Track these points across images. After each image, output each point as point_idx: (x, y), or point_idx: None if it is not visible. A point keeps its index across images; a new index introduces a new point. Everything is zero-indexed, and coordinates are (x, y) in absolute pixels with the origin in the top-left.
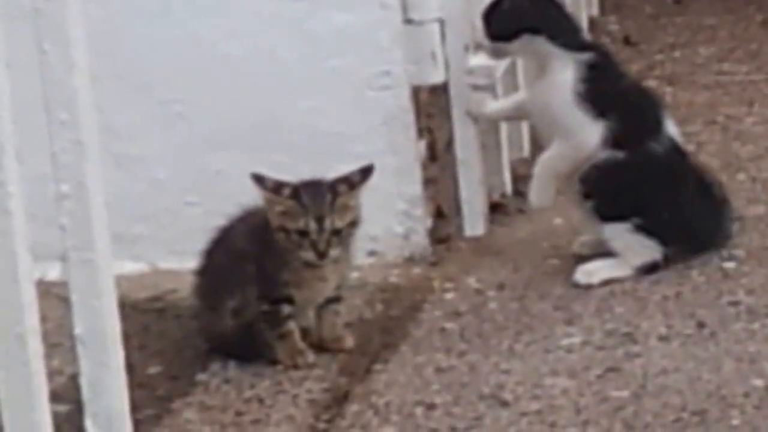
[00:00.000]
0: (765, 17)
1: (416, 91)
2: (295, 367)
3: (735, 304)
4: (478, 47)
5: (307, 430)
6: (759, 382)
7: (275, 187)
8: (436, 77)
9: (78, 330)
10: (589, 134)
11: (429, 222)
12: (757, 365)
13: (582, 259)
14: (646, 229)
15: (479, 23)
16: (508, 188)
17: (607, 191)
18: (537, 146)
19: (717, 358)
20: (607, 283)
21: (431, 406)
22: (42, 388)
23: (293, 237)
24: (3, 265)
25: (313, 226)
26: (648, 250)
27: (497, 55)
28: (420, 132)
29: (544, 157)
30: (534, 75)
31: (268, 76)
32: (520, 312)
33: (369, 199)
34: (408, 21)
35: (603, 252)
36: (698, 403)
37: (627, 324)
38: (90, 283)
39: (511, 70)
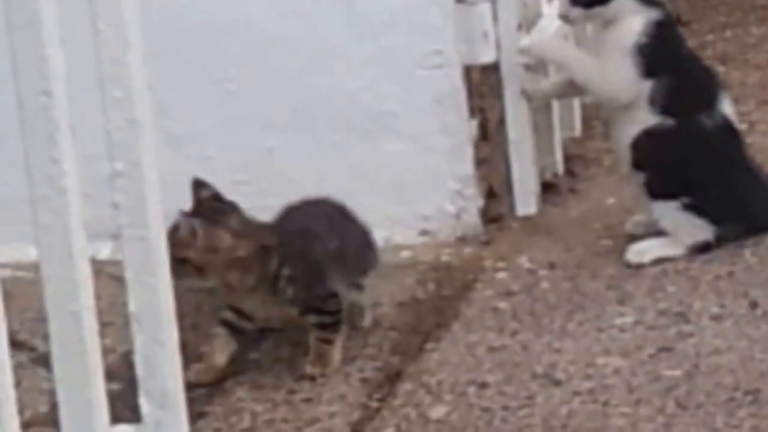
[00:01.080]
0: None
1: (468, 71)
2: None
3: None
4: (563, 17)
5: (359, 408)
6: None
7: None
8: (488, 56)
9: (132, 307)
10: (626, 84)
11: (481, 201)
12: None
13: (634, 238)
14: (696, 208)
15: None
16: (560, 168)
17: (658, 164)
18: (588, 126)
19: None
20: (659, 262)
21: (483, 385)
22: (97, 365)
23: None
24: (58, 242)
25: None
26: (699, 229)
27: (582, 21)
28: (472, 111)
29: (582, 56)
30: (596, 34)
31: (319, 55)
32: (572, 291)
33: (421, 178)
34: (460, 0)
35: (655, 232)
36: (751, 383)
37: (679, 303)
38: (144, 261)
39: None
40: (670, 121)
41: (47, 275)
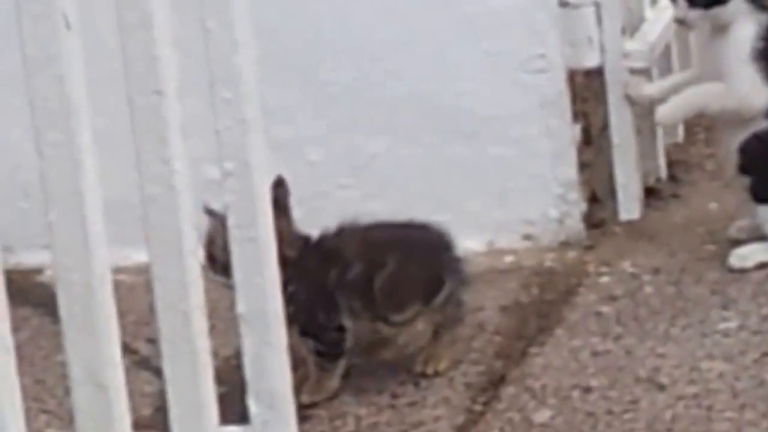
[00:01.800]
0: None
1: (572, 75)
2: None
3: None
4: (679, 20)
5: (464, 412)
6: None
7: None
8: (592, 61)
9: (241, 308)
10: (755, 92)
11: (584, 206)
12: None
13: (737, 243)
14: None
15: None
16: (663, 173)
17: (765, 167)
18: (691, 132)
19: None
20: (762, 267)
21: (587, 390)
22: (207, 365)
23: None
24: (169, 242)
25: None
26: None
27: (698, 24)
28: (575, 116)
29: (703, 86)
30: (709, 40)
31: (423, 59)
32: (676, 296)
33: (524, 182)
34: (564, 4)
35: (759, 236)
36: None
37: None
38: (253, 261)
39: (666, 54)
40: None
41: (157, 275)
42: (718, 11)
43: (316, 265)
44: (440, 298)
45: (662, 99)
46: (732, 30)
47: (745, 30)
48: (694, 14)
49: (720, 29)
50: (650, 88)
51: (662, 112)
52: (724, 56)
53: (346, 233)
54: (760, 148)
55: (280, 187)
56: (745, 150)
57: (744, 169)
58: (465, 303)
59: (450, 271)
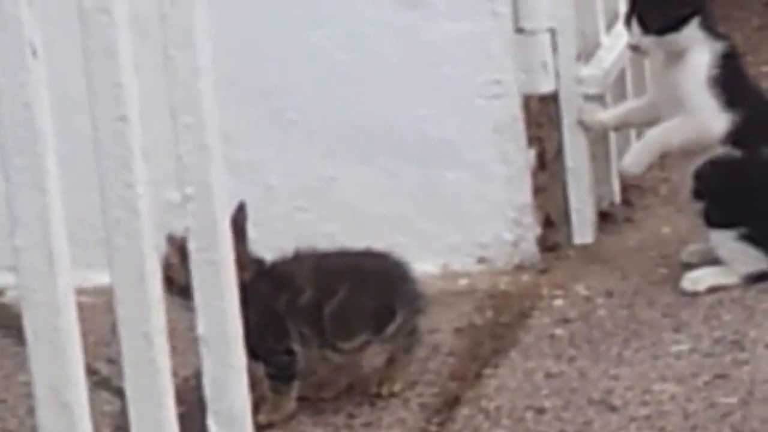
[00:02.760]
0: (762, 22)
1: (527, 100)
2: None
3: None
4: (633, 46)
5: None
6: None
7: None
8: (547, 86)
9: (201, 330)
10: (714, 119)
11: (538, 230)
12: None
13: (690, 267)
14: (752, 239)
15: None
16: (617, 197)
17: (719, 193)
18: None
19: None
20: (714, 291)
21: (541, 411)
22: (168, 385)
23: None
24: (131, 264)
25: None
26: (755, 260)
27: (652, 51)
28: (530, 141)
29: (661, 126)
30: (664, 67)
31: (380, 84)
32: (629, 319)
33: (479, 206)
34: (519, 30)
35: (711, 260)
36: None
37: (735, 332)
38: (213, 284)
39: (620, 80)
40: (736, 152)
41: (119, 297)
42: (672, 38)
43: (269, 290)
44: (391, 328)
45: (615, 125)
46: (687, 57)
47: (700, 57)
48: (648, 41)
49: (675, 56)
50: (604, 115)
51: (627, 162)
52: (680, 84)
53: (300, 259)
54: (714, 175)
55: (240, 212)
56: (700, 176)
57: (698, 194)
58: (420, 332)
59: (404, 301)
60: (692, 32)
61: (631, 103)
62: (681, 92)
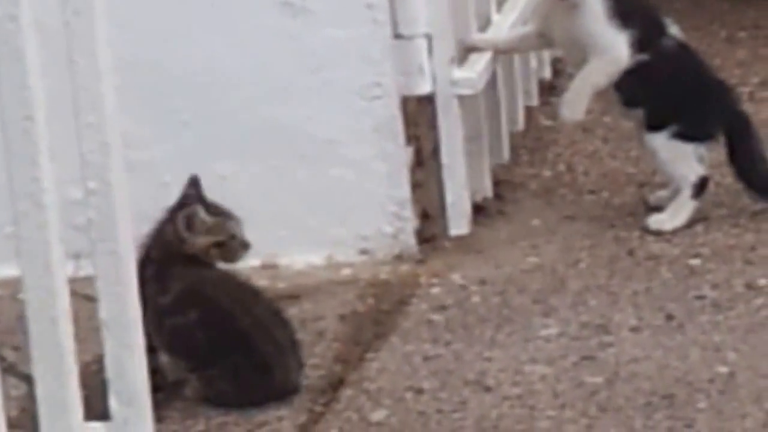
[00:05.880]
0: (729, 33)
1: (405, 101)
2: None
3: (701, 297)
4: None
5: (306, 412)
6: (723, 369)
7: (188, 221)
8: (424, 88)
9: (102, 314)
10: (622, 45)
11: (416, 223)
12: (720, 353)
13: (656, 210)
14: (683, 135)
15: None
16: (489, 192)
17: (642, 98)
18: (516, 153)
19: (684, 347)
20: (581, 278)
21: (420, 391)
22: (72, 366)
23: (229, 245)
24: (37, 254)
25: (236, 226)
26: (689, 162)
27: None
28: (408, 139)
29: (583, 73)
30: (562, 12)
31: (268, 87)
32: (501, 305)
33: (361, 201)
34: (397, 36)
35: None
36: (666, 388)
37: (600, 316)
38: (114, 273)
39: (492, 82)
40: (643, 56)
41: (27, 284)
42: None
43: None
44: None
45: (506, 49)
46: (582, 3)
47: None
48: None
49: (569, 3)
50: (497, 39)
51: (566, 114)
52: (586, 28)
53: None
54: (634, 79)
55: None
56: (620, 87)
57: (628, 103)
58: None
59: None
60: None
61: (521, 30)
62: (589, 35)
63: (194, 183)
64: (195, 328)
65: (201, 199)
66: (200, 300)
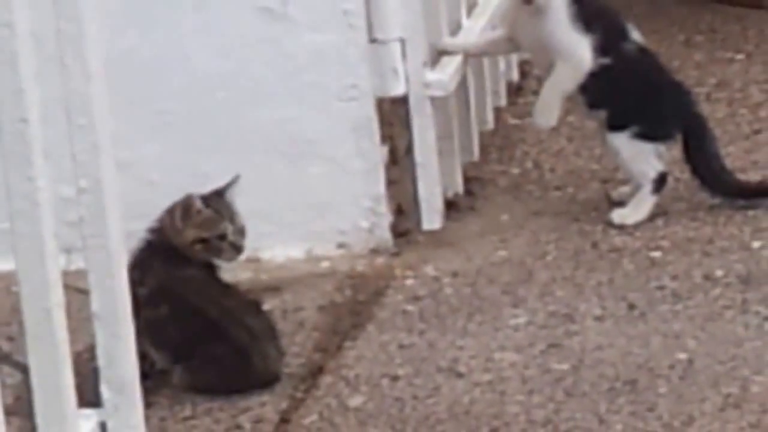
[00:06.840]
0: (686, 37)
1: (380, 103)
2: None
3: (661, 288)
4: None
5: (287, 399)
6: (682, 356)
7: (184, 210)
8: (398, 90)
9: (94, 306)
10: (585, 49)
11: (391, 218)
12: (680, 341)
13: (620, 205)
14: (644, 135)
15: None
16: (460, 188)
17: (605, 99)
18: (485, 151)
19: (646, 335)
20: (548, 270)
21: (395, 378)
22: (66, 355)
23: (214, 243)
24: (32, 248)
25: (230, 227)
26: (649, 160)
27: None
28: (383, 138)
29: (550, 80)
30: (528, 17)
31: (249, 90)
32: (472, 296)
33: (339, 197)
34: (373, 40)
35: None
36: (629, 374)
37: (566, 306)
38: (105, 266)
39: (463, 84)
40: (606, 59)
41: (23, 277)
42: None
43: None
44: None
45: (476, 53)
46: (545, 9)
47: (556, 3)
48: None
49: (535, 8)
50: (466, 43)
51: (540, 121)
52: (551, 34)
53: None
54: (596, 81)
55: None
56: (585, 89)
57: (592, 105)
58: None
59: None
60: None
61: (490, 35)
62: (553, 40)
63: (232, 181)
64: (167, 323)
65: (216, 193)
66: (170, 296)
